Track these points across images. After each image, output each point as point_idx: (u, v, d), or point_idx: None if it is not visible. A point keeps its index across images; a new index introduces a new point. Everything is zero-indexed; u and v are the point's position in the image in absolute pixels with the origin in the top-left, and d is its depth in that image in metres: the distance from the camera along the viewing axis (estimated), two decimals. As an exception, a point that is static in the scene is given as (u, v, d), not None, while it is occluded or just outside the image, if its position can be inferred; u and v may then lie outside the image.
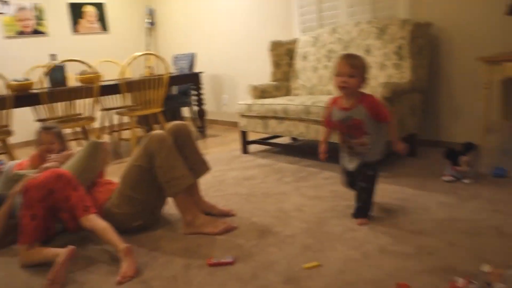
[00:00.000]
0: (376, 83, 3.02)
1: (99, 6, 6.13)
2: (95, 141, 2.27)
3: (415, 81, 2.92)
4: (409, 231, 1.94)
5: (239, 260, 1.81)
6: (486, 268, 1.47)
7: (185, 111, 5.61)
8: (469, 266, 1.59)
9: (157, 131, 2.16)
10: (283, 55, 3.89)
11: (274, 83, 3.88)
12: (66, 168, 2.11)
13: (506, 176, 2.52)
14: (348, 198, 2.44)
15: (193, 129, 4.77)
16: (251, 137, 3.86)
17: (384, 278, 1.57)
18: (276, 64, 3.90)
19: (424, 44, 3.00)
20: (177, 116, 5.29)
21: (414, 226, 1.98)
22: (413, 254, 1.72)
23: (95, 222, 1.92)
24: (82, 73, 4.02)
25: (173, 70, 5.31)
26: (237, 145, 4.04)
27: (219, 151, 4.02)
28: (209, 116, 5.54)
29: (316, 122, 3.01)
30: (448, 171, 2.58)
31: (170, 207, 2.38)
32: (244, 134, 3.78)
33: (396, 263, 1.67)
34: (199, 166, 2.35)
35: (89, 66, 3.91)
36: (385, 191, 2.49)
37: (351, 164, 2.12)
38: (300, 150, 3.72)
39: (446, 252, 1.72)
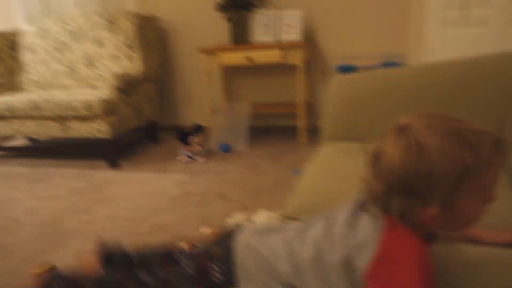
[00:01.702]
0: (109, 74, 3.02)
1: None
2: None
3: (147, 71, 3.05)
4: (146, 212, 2.05)
5: (-51, 284, 1.54)
6: (205, 230, 1.69)
7: None
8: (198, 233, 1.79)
9: None
10: (4, 47, 3.44)
11: (-3, 78, 3.40)
12: None
13: (230, 151, 2.93)
14: (87, 192, 2.39)
15: None
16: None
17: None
18: (-3, 57, 3.41)
19: (152, 36, 3.16)
20: None
21: (152, 207, 2.10)
22: (146, 233, 1.83)
23: None
24: None
25: None
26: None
27: None
28: None
29: (49, 118, 2.81)
30: (182, 152, 2.83)
31: None
32: (-37, 140, 3.20)
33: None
34: None
35: None
36: (129, 179, 2.54)
37: None
38: (38, 150, 3.41)
39: (179, 225, 1.89)
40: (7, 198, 2.39)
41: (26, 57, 3.44)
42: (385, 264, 0.64)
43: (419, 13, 2.24)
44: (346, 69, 2.59)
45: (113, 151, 2.76)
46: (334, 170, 1.17)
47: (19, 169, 2.94)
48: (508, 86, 1.21)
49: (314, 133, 3.15)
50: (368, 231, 0.68)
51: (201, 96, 3.42)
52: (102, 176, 2.65)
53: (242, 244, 0.81)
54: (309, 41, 2.95)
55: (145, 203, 2.16)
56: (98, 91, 2.92)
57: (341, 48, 2.99)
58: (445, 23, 1.92)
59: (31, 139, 3.75)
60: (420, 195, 0.63)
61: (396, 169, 0.63)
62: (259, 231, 0.83)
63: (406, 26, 2.76)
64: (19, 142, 3.67)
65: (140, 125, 3.07)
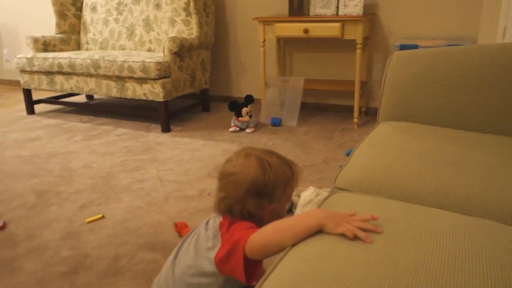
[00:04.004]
0: (165, 38, 3.05)
1: None
2: None
3: (202, 38, 3.06)
4: (195, 176, 2.09)
5: (12, 223, 1.66)
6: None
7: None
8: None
9: None
10: (68, 4, 3.55)
11: (60, 35, 3.53)
12: None
13: (280, 125, 2.91)
14: (139, 152, 2.47)
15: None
16: (40, 95, 3.47)
17: (165, 220, 1.66)
18: (61, 15, 3.54)
19: (210, 2, 3.14)
20: None
21: (201, 173, 2.14)
22: (195, 197, 1.87)
23: None
24: None
25: None
26: (22, 106, 3.59)
27: (-2, 113, 3.51)
28: (-14, 74, 4.74)
29: (106, 77, 2.90)
30: (233, 122, 2.84)
31: None
32: (28, 92, 3.37)
33: (179, 206, 1.78)
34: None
35: None
36: (179, 143, 2.60)
37: None
38: (95, 108, 3.55)
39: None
40: (66, 151, 2.51)
41: (88, 16, 3.54)
42: (226, 235, 0.89)
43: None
44: (408, 49, 2.47)
45: (165, 115, 2.82)
46: (391, 148, 1.13)
47: (78, 124, 3.08)
48: None
49: (369, 114, 3.07)
50: (212, 226, 0.94)
51: (254, 67, 3.40)
52: (153, 138, 2.72)
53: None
54: (370, 16, 2.83)
55: (193, 168, 2.21)
56: (154, 54, 2.97)
57: (404, 26, 2.85)
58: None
59: (90, 97, 3.91)
60: (268, 196, 0.92)
61: (251, 179, 0.90)
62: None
63: (478, 8, 2.58)
64: (79, 97, 3.83)
65: (193, 92, 3.10)
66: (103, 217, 1.70)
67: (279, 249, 0.75)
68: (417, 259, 0.62)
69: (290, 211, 1.65)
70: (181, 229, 1.55)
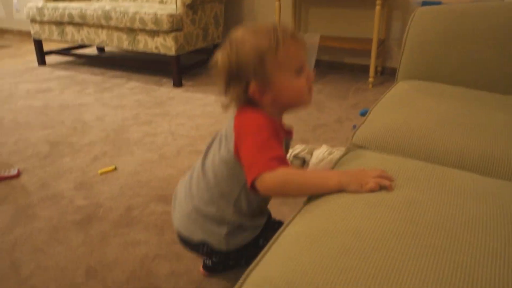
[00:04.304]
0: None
1: None
2: None
3: (217, -11, 2.96)
4: (206, 132, 2.08)
5: (26, 172, 1.68)
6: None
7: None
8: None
9: None
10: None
11: (71, -16, 3.44)
12: None
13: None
14: (150, 106, 2.46)
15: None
16: (51, 47, 3.44)
17: (177, 174, 1.67)
18: (72, -37, 3.43)
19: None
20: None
21: (212, 128, 2.13)
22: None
23: None
24: None
25: None
26: (33, 57, 3.56)
27: (10, 64, 3.49)
28: (-4, 23, 4.69)
29: (118, 29, 2.84)
30: (245, 78, 2.79)
31: None
32: (39, 43, 3.34)
33: (190, 160, 1.79)
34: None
35: None
36: (191, 98, 2.58)
37: None
38: (107, 61, 3.51)
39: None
40: (78, 103, 2.51)
41: (99, -36, 3.43)
42: (241, 131, 0.82)
43: None
44: (431, 5, 2.37)
45: (177, 69, 2.78)
46: (410, 107, 1.09)
47: (89, 77, 3.06)
48: None
49: (385, 74, 3.00)
50: (228, 124, 0.88)
51: (269, 22, 3.30)
52: (165, 93, 2.70)
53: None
54: (393, -29, 2.70)
55: (204, 123, 2.19)
56: (167, 6, 2.89)
57: (428, -18, 2.72)
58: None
59: (101, 49, 3.86)
60: (240, 76, 0.82)
61: (219, 65, 0.83)
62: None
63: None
64: (90, 50, 3.79)
65: (206, 46, 3.04)
66: (115, 169, 1.71)
67: (292, 194, 0.76)
68: (436, 219, 0.61)
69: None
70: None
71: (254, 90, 0.82)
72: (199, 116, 2.30)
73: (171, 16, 2.61)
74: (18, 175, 1.64)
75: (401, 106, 1.12)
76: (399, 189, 0.69)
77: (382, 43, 2.88)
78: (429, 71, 1.35)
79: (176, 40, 2.67)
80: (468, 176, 0.77)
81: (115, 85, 2.85)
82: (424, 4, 2.39)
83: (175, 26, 2.65)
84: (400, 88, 1.28)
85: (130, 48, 2.87)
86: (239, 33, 0.84)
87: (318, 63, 3.18)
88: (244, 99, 0.85)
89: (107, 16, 2.80)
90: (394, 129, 0.98)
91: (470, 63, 1.29)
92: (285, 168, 0.74)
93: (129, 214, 1.40)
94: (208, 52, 3.36)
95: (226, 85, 0.85)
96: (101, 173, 1.67)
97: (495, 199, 0.68)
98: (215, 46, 3.20)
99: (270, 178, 0.73)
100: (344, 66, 3.18)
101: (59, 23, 3.10)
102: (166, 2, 3.15)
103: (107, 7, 2.81)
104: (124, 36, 2.85)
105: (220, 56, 0.84)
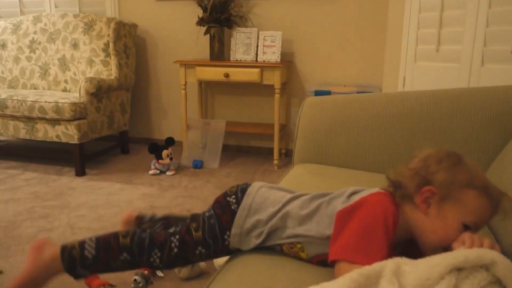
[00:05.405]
0: (82, 78, 2.95)
1: None
2: None
3: (122, 79, 3.00)
4: (109, 223, 1.98)
5: None
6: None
7: None
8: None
9: None
10: (-25, 40, 3.33)
11: (-36, 73, 3.27)
12: None
13: (202, 167, 2.89)
14: (48, 198, 2.30)
15: None
16: None
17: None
18: (-34, 51, 3.29)
19: (130, 44, 3.12)
20: None
21: (116, 218, 2.03)
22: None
23: None
24: None
25: None
26: None
27: None
28: None
29: (14, 117, 2.71)
30: (153, 165, 2.77)
31: None
32: None
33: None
34: None
35: None
36: (94, 188, 2.46)
37: None
38: (4, 151, 3.27)
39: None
40: (-40, 198, 2.27)
41: (-3, 53, 3.33)
42: (358, 205, 0.79)
43: (396, 47, 2.31)
44: (322, 94, 2.63)
45: (80, 157, 2.67)
46: (303, 188, 1.16)
47: (-23, 169, 2.81)
48: (476, 120, 1.25)
49: (289, 156, 3.17)
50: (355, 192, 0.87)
51: (176, 110, 3.39)
52: (65, 182, 2.56)
53: (255, 185, 1.02)
54: (287, 63, 2.99)
55: (108, 214, 2.09)
56: (69, 94, 2.84)
57: (318, 73, 3.04)
58: (419, 58, 1.98)
59: (-6, 139, 3.60)
60: (428, 180, 0.78)
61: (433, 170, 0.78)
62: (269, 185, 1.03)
63: (383, 59, 2.84)
64: (-20, 140, 3.52)
65: (111, 134, 3.00)
66: (1, 272, 1.53)
67: None
68: None
69: None
70: (90, 282, 1.44)
71: (426, 195, 0.78)
72: (102, 206, 2.19)
73: (73, 104, 2.56)
74: None
75: (295, 188, 1.18)
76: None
77: (283, 127, 3.09)
78: (320, 155, 1.47)
79: (79, 128, 2.61)
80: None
81: (9, 177, 2.64)
82: (316, 93, 2.65)
83: (78, 114, 2.60)
84: (295, 171, 1.36)
85: (28, 137, 2.73)
86: (468, 161, 0.80)
87: (226, 148, 3.27)
88: (406, 196, 0.80)
89: (2, 104, 2.66)
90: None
91: (354, 147, 1.42)
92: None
93: (13, 325, 1.23)
94: (114, 139, 3.31)
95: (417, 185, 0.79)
96: (-17, 279, 1.48)
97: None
98: (122, 133, 3.17)
99: (345, 271, 0.68)
100: (250, 149, 3.32)
101: None
102: (70, 90, 3.10)
103: (3, 95, 2.69)
104: (21, 125, 2.71)
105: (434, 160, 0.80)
